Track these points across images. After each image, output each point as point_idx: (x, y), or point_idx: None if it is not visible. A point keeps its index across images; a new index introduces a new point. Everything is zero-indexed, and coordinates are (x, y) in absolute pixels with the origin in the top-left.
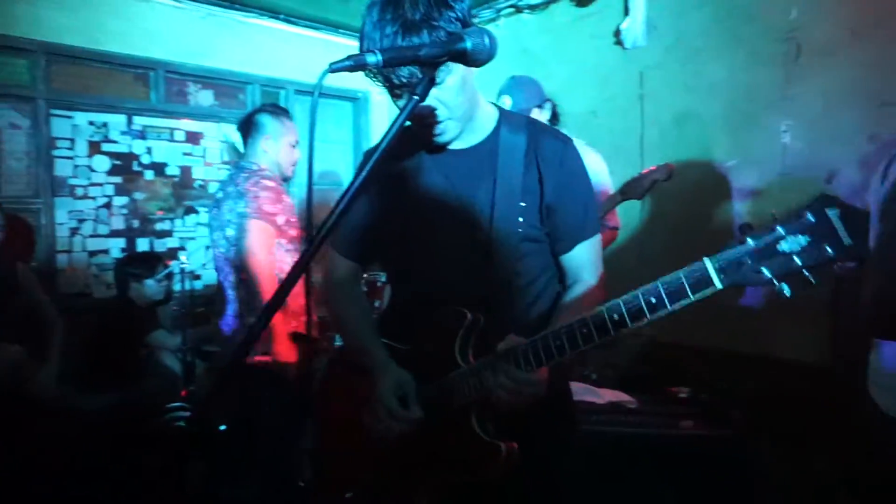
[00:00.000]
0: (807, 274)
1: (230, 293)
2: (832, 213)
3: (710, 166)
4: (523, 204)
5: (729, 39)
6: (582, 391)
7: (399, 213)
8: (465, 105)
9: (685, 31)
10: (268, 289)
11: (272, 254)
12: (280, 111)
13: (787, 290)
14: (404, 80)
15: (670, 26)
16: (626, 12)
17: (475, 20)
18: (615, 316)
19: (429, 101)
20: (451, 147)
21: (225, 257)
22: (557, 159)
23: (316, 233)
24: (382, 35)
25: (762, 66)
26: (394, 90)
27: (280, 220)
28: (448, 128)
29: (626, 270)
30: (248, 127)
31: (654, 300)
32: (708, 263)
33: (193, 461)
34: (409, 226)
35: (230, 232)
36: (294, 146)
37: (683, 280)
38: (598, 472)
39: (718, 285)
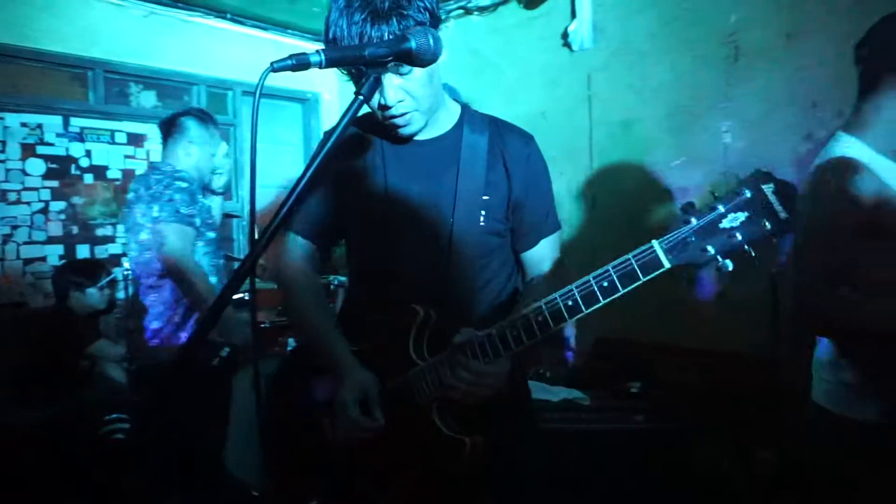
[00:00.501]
0: (748, 248)
1: (147, 300)
2: (767, 189)
3: (657, 166)
4: (486, 197)
5: (673, 42)
6: (535, 389)
7: (358, 204)
8: (431, 98)
9: (631, 34)
10: (203, 289)
11: (192, 257)
12: (207, 118)
13: (729, 265)
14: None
15: (616, 29)
16: (574, 15)
17: None
18: (569, 302)
19: (396, 92)
20: (414, 138)
21: (136, 262)
22: (524, 156)
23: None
24: (350, 22)
25: (705, 68)
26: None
27: (197, 221)
28: (413, 119)
29: (582, 263)
30: (170, 128)
31: (606, 284)
32: (656, 245)
33: (135, 474)
34: (369, 219)
35: (144, 236)
36: (215, 153)
37: (633, 262)
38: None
39: (667, 265)
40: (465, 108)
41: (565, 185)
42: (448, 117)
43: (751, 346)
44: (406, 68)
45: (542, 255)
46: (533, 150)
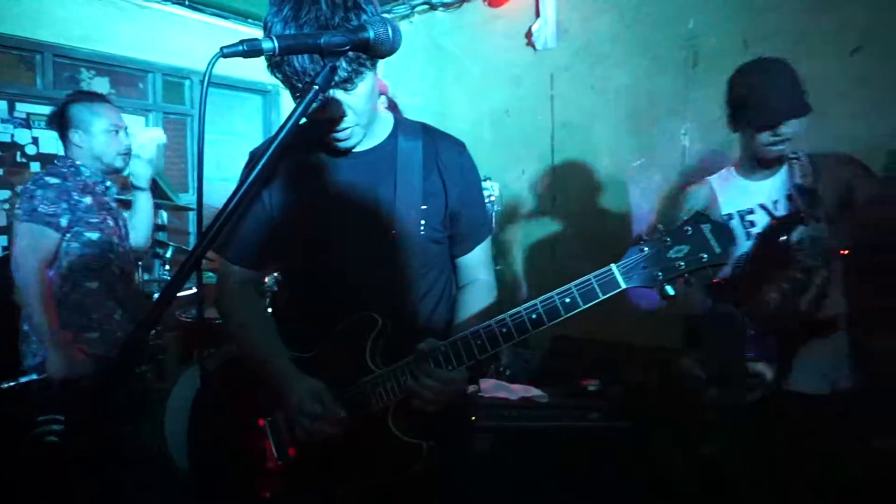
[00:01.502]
0: (687, 276)
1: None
2: (705, 227)
3: (617, 166)
4: (424, 207)
5: (634, 46)
6: (495, 387)
7: (298, 216)
8: (371, 113)
9: (593, 35)
10: (37, 305)
11: (43, 262)
12: (89, 97)
13: (671, 290)
14: (301, 73)
15: (579, 30)
16: (538, 14)
17: (389, 15)
18: (533, 315)
19: (339, 109)
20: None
21: None
22: (458, 165)
23: (199, 240)
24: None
25: (664, 72)
26: (292, 86)
27: (64, 221)
28: (354, 133)
29: (542, 263)
30: (57, 122)
31: (568, 300)
32: (614, 268)
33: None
34: (308, 228)
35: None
36: (115, 131)
37: (593, 282)
38: (510, 465)
39: (623, 285)
40: (396, 116)
41: (527, 182)
42: (382, 127)
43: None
44: (350, 86)
45: (477, 259)
46: (466, 158)
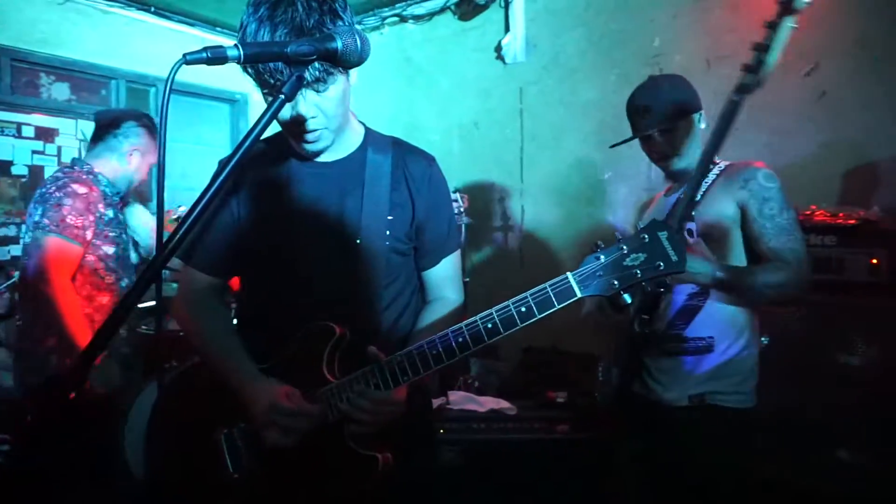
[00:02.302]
0: (644, 284)
1: (24, 313)
2: (662, 235)
3: (585, 179)
4: (390, 217)
5: (601, 61)
6: (463, 400)
7: (265, 223)
8: (341, 118)
9: (562, 50)
10: (73, 322)
11: (68, 279)
12: (155, 127)
13: (628, 299)
14: (273, 70)
15: (548, 45)
16: (507, 28)
17: (360, 27)
18: (489, 325)
19: (309, 108)
20: (319, 160)
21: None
22: (426, 178)
23: (164, 245)
24: (273, 37)
25: (631, 87)
26: (263, 83)
27: (89, 234)
28: (323, 136)
29: (510, 275)
30: (110, 127)
31: (524, 309)
32: (570, 277)
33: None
34: (275, 238)
35: (27, 240)
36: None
37: (549, 291)
38: (478, 478)
39: (579, 294)
40: (368, 129)
41: (497, 194)
42: (353, 138)
43: None
44: (322, 86)
45: (443, 273)
46: (434, 171)
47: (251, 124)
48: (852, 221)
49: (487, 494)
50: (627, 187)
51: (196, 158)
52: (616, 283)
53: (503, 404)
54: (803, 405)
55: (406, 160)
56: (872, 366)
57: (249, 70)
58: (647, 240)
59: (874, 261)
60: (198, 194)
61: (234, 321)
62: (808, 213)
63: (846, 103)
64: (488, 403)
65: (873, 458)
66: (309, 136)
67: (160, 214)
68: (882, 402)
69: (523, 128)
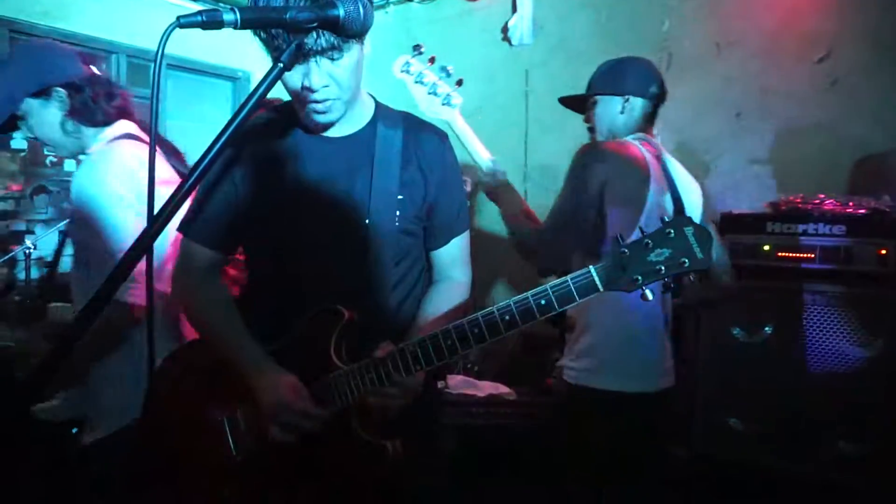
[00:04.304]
0: (668, 280)
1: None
2: (688, 231)
3: None
4: (401, 197)
5: (609, 44)
6: (462, 384)
7: (269, 199)
8: (354, 89)
9: (569, 32)
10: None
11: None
12: None
13: (650, 295)
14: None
15: (555, 27)
16: (514, 10)
17: None
18: (507, 317)
19: (322, 77)
20: (327, 134)
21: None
22: (438, 155)
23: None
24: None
25: None
26: (275, 53)
27: None
28: (334, 107)
29: (513, 260)
30: None
31: (543, 302)
32: (593, 271)
33: None
34: (279, 212)
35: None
36: None
37: (570, 284)
38: (476, 463)
39: (601, 289)
40: (378, 103)
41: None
42: (363, 112)
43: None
44: (337, 54)
45: (452, 254)
46: (447, 148)
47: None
48: (862, 211)
49: (484, 478)
50: None
51: (197, 137)
52: (639, 278)
53: (502, 389)
54: (806, 394)
55: (418, 136)
56: (880, 356)
57: (262, 33)
58: (672, 235)
59: (883, 251)
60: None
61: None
62: (817, 201)
63: (858, 92)
64: (487, 388)
65: (875, 449)
66: (320, 107)
67: (151, 187)
68: (888, 393)
69: (528, 111)
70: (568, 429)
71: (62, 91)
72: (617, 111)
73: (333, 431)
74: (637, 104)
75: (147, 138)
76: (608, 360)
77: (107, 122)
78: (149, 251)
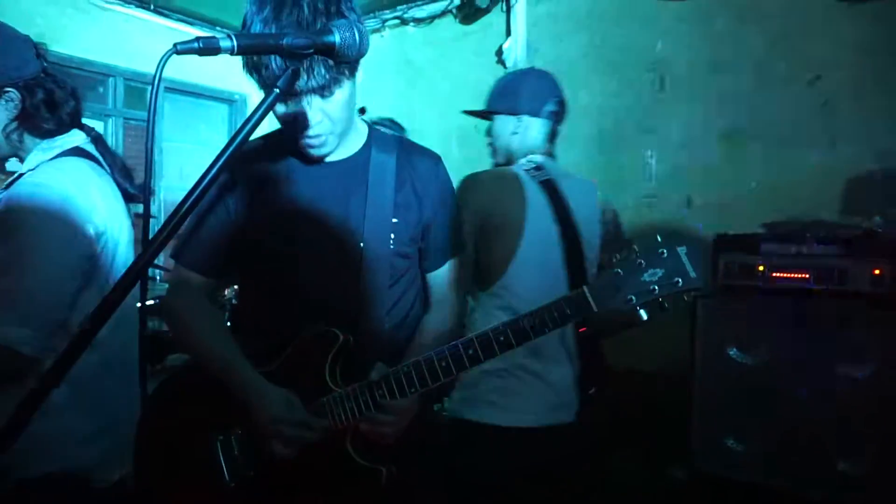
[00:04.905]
0: (661, 300)
1: None
2: (681, 250)
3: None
4: (395, 220)
5: (603, 66)
6: None
7: (264, 223)
8: (347, 121)
9: (563, 55)
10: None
11: None
12: None
13: (644, 315)
14: (273, 75)
15: (550, 49)
16: (508, 33)
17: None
18: (501, 338)
19: (314, 114)
20: (324, 159)
21: None
22: (432, 177)
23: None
24: (274, 24)
25: (632, 93)
26: (265, 89)
27: None
28: (328, 141)
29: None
30: None
31: (537, 322)
32: (586, 290)
33: None
34: (274, 237)
35: None
36: None
37: (565, 305)
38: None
39: (595, 308)
40: (372, 128)
41: None
42: (356, 137)
43: (666, 366)
44: (328, 92)
45: (447, 275)
46: (441, 170)
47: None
48: (856, 231)
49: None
50: (629, 193)
51: (194, 158)
52: (633, 298)
53: None
54: (803, 414)
55: (412, 159)
56: (875, 375)
57: (254, 74)
58: (665, 255)
59: (877, 271)
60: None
61: (228, 323)
62: (811, 222)
63: (849, 112)
64: None
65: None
66: (313, 142)
67: (146, 209)
68: (885, 413)
69: None
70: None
71: (15, 93)
72: (510, 131)
73: (328, 455)
74: (532, 124)
75: (94, 152)
76: (482, 392)
77: (55, 133)
78: (143, 277)
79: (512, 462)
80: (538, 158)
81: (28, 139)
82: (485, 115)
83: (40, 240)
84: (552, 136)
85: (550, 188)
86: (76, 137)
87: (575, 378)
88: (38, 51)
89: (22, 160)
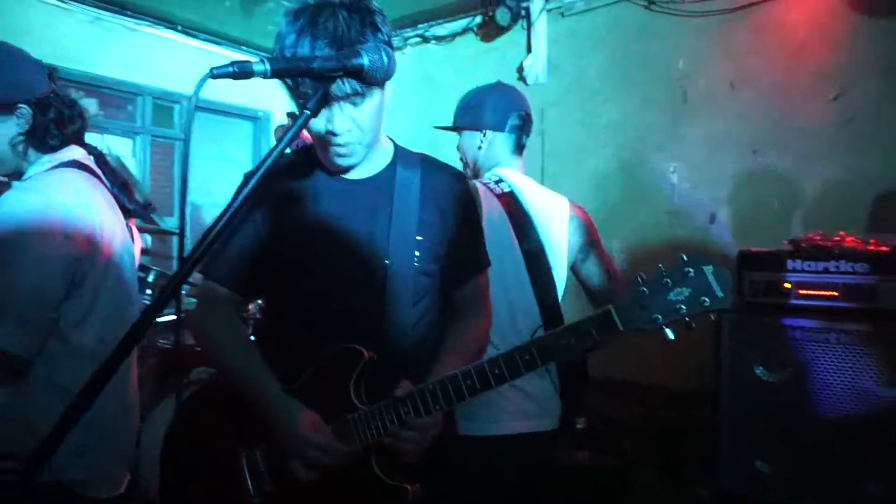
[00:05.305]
0: (688, 320)
1: None
2: (707, 270)
3: (606, 200)
4: (420, 238)
5: (624, 83)
6: None
7: (290, 240)
8: (375, 132)
9: (583, 72)
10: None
11: None
12: None
13: (670, 334)
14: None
15: (570, 67)
16: (529, 50)
17: None
18: (526, 356)
19: (344, 122)
20: (347, 177)
21: None
22: (456, 195)
23: (181, 264)
24: (312, 49)
25: (653, 109)
26: (300, 100)
27: None
28: (356, 151)
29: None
30: None
31: (563, 342)
32: (613, 310)
33: None
34: (300, 255)
35: None
36: None
37: (591, 325)
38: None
39: (622, 328)
40: (397, 146)
41: None
42: (382, 155)
43: (692, 383)
44: (360, 99)
45: (471, 292)
46: (464, 187)
47: (272, 142)
48: (885, 248)
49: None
50: (649, 209)
51: (218, 174)
52: (659, 317)
53: None
54: (831, 434)
55: (436, 177)
56: None
57: (288, 83)
58: (691, 274)
59: None
60: (220, 209)
61: (252, 337)
62: (838, 238)
63: (874, 128)
64: None
65: None
66: (342, 150)
67: (182, 228)
68: None
69: (544, 148)
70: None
71: (27, 109)
72: (475, 145)
73: (353, 473)
74: (496, 138)
75: (93, 166)
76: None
77: (58, 148)
78: (179, 292)
79: (500, 470)
80: (501, 172)
81: (32, 153)
82: (453, 130)
83: (22, 243)
84: (519, 149)
85: (510, 200)
86: (74, 152)
87: (555, 388)
88: (51, 74)
89: (23, 172)
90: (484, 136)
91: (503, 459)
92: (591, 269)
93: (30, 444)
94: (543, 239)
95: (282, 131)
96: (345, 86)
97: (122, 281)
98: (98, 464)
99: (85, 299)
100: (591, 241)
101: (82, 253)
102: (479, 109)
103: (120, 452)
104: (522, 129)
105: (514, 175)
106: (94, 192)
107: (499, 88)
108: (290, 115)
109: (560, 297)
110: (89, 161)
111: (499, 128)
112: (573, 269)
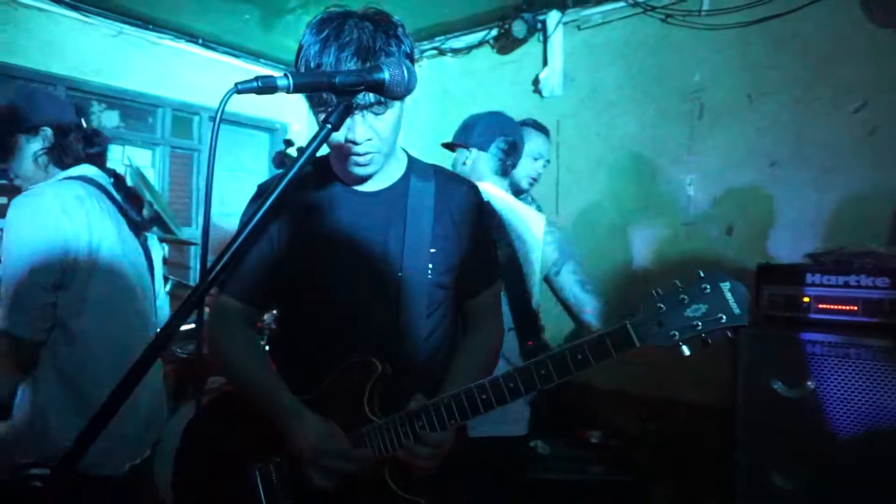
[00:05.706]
0: (704, 336)
1: None
2: (724, 286)
3: (622, 213)
4: (433, 250)
5: (640, 96)
6: None
7: (305, 252)
8: (394, 142)
9: (599, 84)
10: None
11: None
12: None
13: (686, 351)
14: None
15: (586, 79)
16: (545, 63)
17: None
18: (542, 371)
19: (365, 131)
20: (362, 189)
21: None
22: (469, 207)
23: (203, 276)
24: (338, 60)
25: (669, 122)
26: (320, 108)
27: None
28: (375, 160)
29: (545, 306)
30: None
31: (580, 357)
32: (629, 326)
33: None
34: (314, 265)
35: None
36: None
37: (607, 340)
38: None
39: (637, 344)
40: (411, 157)
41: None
42: (397, 167)
43: (708, 397)
44: (381, 109)
45: (484, 304)
46: (477, 199)
47: (289, 153)
48: None
49: None
50: (665, 221)
51: (235, 185)
52: (676, 334)
53: (536, 443)
54: (850, 451)
55: (449, 188)
56: None
57: (308, 100)
58: (708, 290)
59: None
60: (235, 220)
61: (267, 347)
62: (858, 252)
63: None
64: None
65: None
66: (361, 160)
67: (205, 240)
68: None
69: (559, 160)
70: None
71: (48, 131)
72: (461, 161)
73: (366, 486)
74: (480, 157)
75: (102, 182)
76: None
77: (72, 166)
78: (201, 303)
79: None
80: (480, 185)
81: (52, 168)
82: (448, 147)
83: (18, 239)
84: (503, 171)
85: (496, 220)
86: (85, 169)
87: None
88: (78, 110)
89: None
90: (469, 153)
91: (486, 464)
92: (564, 282)
93: (39, 429)
94: (517, 246)
95: (279, 157)
96: (367, 96)
97: (117, 275)
98: (103, 445)
99: (76, 294)
100: (565, 255)
101: (69, 247)
102: (471, 130)
103: (121, 433)
104: (507, 153)
105: (492, 188)
106: (91, 201)
107: (494, 115)
108: (290, 145)
109: (534, 304)
110: (100, 178)
111: (482, 148)
112: (547, 280)
